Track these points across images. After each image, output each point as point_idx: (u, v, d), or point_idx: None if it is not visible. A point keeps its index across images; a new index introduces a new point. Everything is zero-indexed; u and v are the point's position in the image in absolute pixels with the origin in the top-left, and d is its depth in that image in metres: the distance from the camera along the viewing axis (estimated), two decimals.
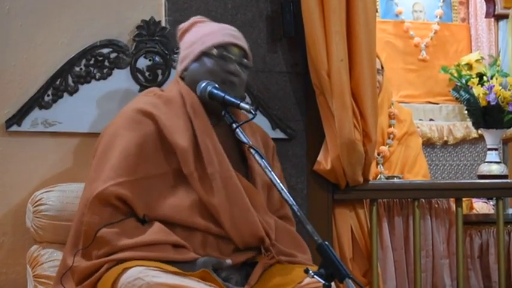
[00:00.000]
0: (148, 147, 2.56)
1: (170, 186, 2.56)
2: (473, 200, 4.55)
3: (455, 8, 5.66)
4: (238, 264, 2.57)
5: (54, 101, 3.03)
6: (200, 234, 2.54)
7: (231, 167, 2.59)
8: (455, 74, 4.57)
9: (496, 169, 4.31)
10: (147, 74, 3.13)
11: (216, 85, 2.64)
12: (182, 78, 2.72)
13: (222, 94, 2.61)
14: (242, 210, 2.56)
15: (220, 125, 2.66)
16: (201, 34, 2.71)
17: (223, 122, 2.63)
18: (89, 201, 2.46)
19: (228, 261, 2.51)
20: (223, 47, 2.67)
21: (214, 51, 2.66)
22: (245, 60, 2.71)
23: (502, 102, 4.20)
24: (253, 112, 2.51)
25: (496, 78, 4.28)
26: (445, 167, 5.40)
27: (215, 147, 2.59)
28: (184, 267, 2.43)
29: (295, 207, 2.33)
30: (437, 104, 5.46)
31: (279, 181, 2.40)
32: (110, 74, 3.09)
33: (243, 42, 2.73)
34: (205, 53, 2.67)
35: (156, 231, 2.47)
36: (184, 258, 2.47)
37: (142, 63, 3.11)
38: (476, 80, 4.35)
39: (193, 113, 2.62)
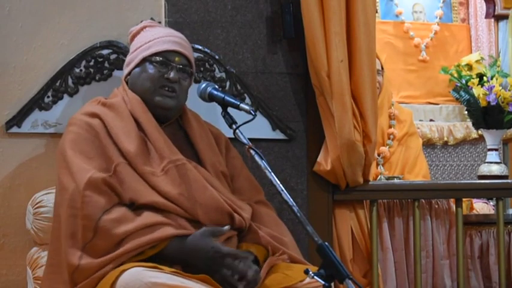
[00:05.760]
0: (103, 143, 2.61)
1: (134, 175, 2.60)
2: (474, 200, 4.55)
3: (455, 8, 5.66)
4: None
5: (54, 102, 3.04)
6: (174, 216, 2.58)
7: (183, 157, 2.65)
8: (456, 75, 4.57)
9: (496, 169, 4.31)
10: None
11: (216, 86, 2.70)
12: (126, 82, 2.79)
13: (222, 95, 2.65)
14: (200, 188, 2.61)
15: (166, 125, 2.74)
16: (147, 39, 2.78)
17: (169, 123, 2.74)
18: (80, 194, 2.47)
19: (226, 227, 2.57)
20: (164, 54, 2.74)
21: (156, 58, 2.72)
22: (187, 68, 2.76)
23: (502, 102, 4.20)
24: (253, 113, 2.53)
25: (496, 79, 4.28)
26: (445, 168, 5.40)
27: (164, 140, 2.66)
28: (185, 240, 2.49)
29: (295, 208, 2.34)
30: (437, 104, 5.46)
31: (279, 182, 2.40)
32: (110, 76, 3.10)
33: (187, 50, 2.79)
34: (147, 59, 2.73)
35: (151, 215, 2.52)
36: (185, 233, 2.52)
37: None
38: (476, 81, 4.35)
39: (138, 112, 2.68)
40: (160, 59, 2.72)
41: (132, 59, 2.78)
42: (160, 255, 2.48)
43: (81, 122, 2.66)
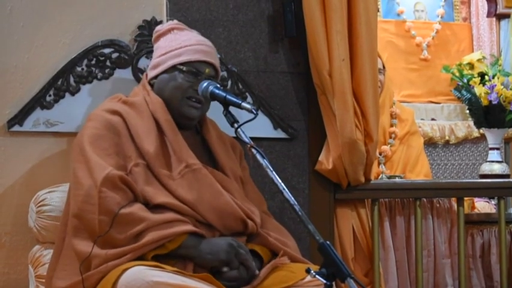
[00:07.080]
0: (122, 140, 2.61)
1: (150, 176, 2.60)
2: (475, 199, 4.55)
3: (457, 7, 5.66)
4: None
5: (56, 101, 3.04)
6: (188, 218, 2.57)
7: (199, 161, 2.66)
8: (457, 74, 4.56)
9: (497, 168, 4.30)
10: None
11: (218, 85, 2.70)
12: (150, 84, 2.78)
13: (224, 94, 2.64)
14: (215, 194, 2.62)
15: (185, 130, 2.74)
16: (176, 45, 2.77)
17: (187, 128, 2.75)
18: (97, 189, 2.47)
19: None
20: (195, 64, 2.74)
21: (185, 68, 2.73)
22: (214, 79, 2.77)
23: (504, 101, 4.20)
24: (255, 112, 2.53)
25: (498, 78, 4.28)
26: (447, 167, 5.40)
27: (182, 143, 2.66)
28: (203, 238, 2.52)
29: (297, 207, 2.33)
30: (439, 103, 5.46)
31: (280, 181, 2.40)
32: (111, 74, 3.10)
33: (215, 60, 2.81)
34: (177, 67, 2.73)
35: (169, 212, 2.53)
36: (203, 234, 2.54)
37: (144, 63, 3.11)
38: (477, 80, 4.35)
39: (159, 113, 2.68)
40: (191, 69, 2.73)
41: (159, 62, 2.77)
42: (175, 251, 2.49)
43: (102, 118, 2.66)
